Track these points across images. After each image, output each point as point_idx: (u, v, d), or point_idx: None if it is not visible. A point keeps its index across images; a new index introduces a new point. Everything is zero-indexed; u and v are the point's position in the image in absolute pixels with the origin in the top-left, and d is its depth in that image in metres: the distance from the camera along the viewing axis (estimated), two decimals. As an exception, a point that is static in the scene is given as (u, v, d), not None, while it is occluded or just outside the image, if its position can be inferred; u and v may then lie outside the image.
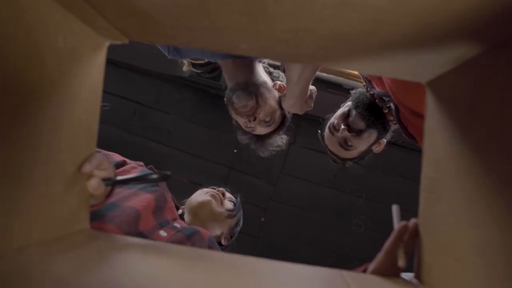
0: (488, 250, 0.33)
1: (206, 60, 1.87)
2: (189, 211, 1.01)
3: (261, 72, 1.10)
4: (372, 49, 0.42)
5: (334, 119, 1.12)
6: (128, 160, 0.90)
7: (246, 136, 1.17)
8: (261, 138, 1.15)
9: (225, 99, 1.13)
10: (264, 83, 1.07)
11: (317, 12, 0.34)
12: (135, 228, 0.71)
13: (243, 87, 1.01)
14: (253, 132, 1.13)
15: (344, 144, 1.09)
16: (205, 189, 1.08)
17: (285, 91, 1.03)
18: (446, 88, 0.45)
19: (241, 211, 1.14)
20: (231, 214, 1.05)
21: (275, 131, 1.13)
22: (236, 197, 1.15)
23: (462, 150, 0.39)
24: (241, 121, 1.09)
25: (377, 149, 1.16)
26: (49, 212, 0.41)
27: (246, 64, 1.06)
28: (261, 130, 1.11)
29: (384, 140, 1.15)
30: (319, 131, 1.21)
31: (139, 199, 0.77)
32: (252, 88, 1.01)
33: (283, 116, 1.12)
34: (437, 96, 0.47)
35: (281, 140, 1.16)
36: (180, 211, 1.01)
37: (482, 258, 0.34)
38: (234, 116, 1.10)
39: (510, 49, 0.33)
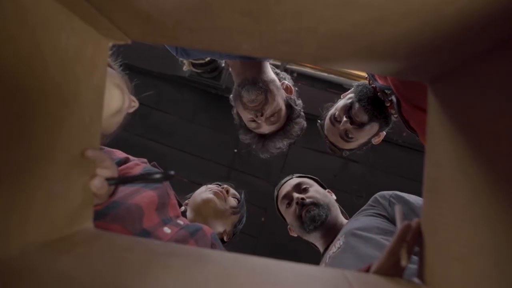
0: (490, 250, 0.33)
1: (206, 60, 1.88)
2: (192, 208, 1.01)
3: (270, 71, 1.10)
4: (373, 49, 0.42)
5: (335, 110, 1.12)
6: (131, 157, 0.90)
7: (249, 135, 1.16)
8: (264, 138, 1.14)
9: (231, 96, 1.12)
10: (273, 80, 1.08)
11: (318, 12, 0.34)
12: (139, 225, 0.72)
13: (252, 82, 1.02)
14: (256, 130, 1.12)
15: (345, 135, 1.09)
16: (210, 186, 1.08)
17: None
18: (448, 88, 0.45)
19: (245, 207, 1.13)
20: (234, 211, 1.05)
21: (279, 131, 1.12)
22: (240, 193, 1.14)
23: (464, 150, 0.40)
24: (247, 117, 1.08)
25: (376, 140, 1.16)
26: (53, 211, 0.42)
27: (255, 63, 1.06)
28: (265, 129, 1.10)
29: (384, 133, 1.15)
30: (318, 121, 1.21)
31: (142, 196, 0.77)
32: (261, 84, 1.02)
33: (288, 117, 1.11)
34: (439, 96, 0.47)
35: (282, 142, 1.15)
36: (182, 208, 1.01)
37: (484, 258, 0.34)
38: (241, 111, 1.09)
39: (511, 48, 0.33)
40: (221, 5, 0.35)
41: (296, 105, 1.13)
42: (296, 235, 1.21)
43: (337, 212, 1.16)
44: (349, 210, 2.19)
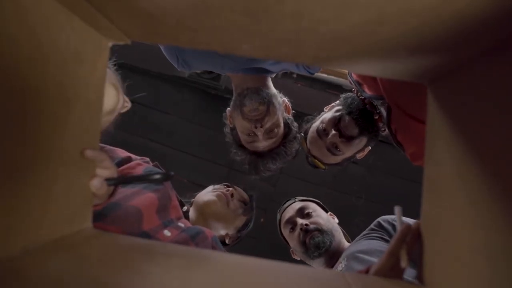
0: (490, 250, 0.33)
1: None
2: (195, 208, 1.01)
3: (272, 86, 1.08)
4: (373, 50, 0.42)
5: (321, 123, 1.09)
6: (133, 156, 0.89)
7: (241, 153, 1.12)
8: (256, 156, 1.10)
9: (229, 109, 1.09)
10: (276, 95, 1.06)
11: (318, 13, 0.34)
12: (138, 228, 0.71)
13: (255, 91, 1.00)
14: (251, 145, 1.07)
15: (333, 148, 1.06)
16: (217, 186, 1.07)
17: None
18: (448, 89, 0.45)
19: (253, 212, 1.11)
20: (237, 213, 1.04)
21: (273, 150, 1.08)
22: (250, 197, 1.12)
23: (463, 151, 0.40)
24: (245, 128, 1.03)
25: (359, 155, 1.14)
26: (52, 211, 0.42)
27: (257, 76, 1.04)
28: (260, 144, 1.05)
29: (369, 147, 1.13)
30: (301, 134, 1.17)
31: (142, 198, 0.76)
32: (264, 94, 1.00)
33: (284, 137, 1.09)
34: (439, 97, 0.47)
35: (275, 164, 1.11)
36: (185, 208, 1.01)
37: (483, 258, 0.34)
38: (239, 122, 1.04)
39: (511, 48, 0.33)
40: (221, 5, 0.35)
41: (294, 127, 1.11)
42: (299, 259, 1.20)
43: (340, 237, 1.16)
44: (349, 211, 2.20)
